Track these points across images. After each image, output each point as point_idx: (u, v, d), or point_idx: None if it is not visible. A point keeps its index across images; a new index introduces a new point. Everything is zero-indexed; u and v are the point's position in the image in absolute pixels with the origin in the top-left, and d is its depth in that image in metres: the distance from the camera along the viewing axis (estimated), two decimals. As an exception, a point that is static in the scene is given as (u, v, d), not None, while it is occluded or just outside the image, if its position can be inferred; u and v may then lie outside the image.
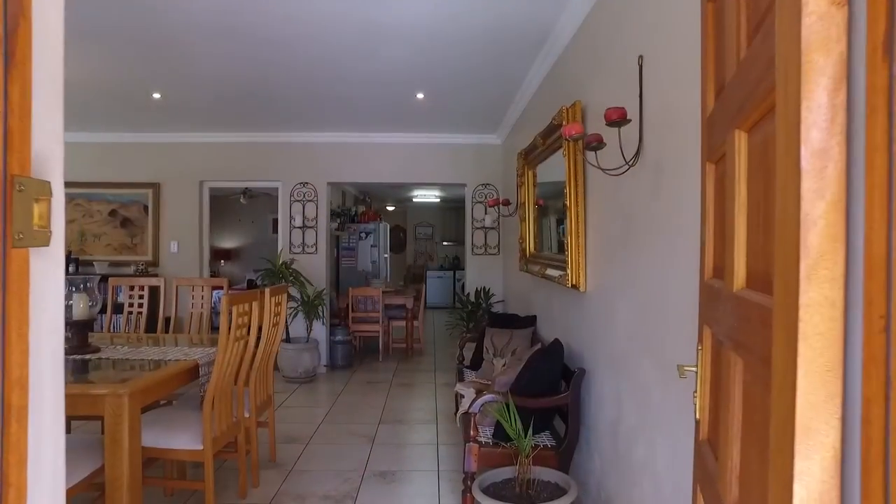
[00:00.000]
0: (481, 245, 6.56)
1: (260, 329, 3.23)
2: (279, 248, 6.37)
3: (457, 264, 13.48)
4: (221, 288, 4.26)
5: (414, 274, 13.37)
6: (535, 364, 2.85)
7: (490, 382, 3.90)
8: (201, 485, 2.74)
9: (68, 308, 3.11)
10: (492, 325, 4.48)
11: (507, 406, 2.65)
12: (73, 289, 3.13)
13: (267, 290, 3.23)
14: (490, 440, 2.85)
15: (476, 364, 4.43)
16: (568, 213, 2.89)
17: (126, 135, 6.27)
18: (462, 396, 3.73)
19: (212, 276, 10.93)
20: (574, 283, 2.89)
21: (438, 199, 12.60)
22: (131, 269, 6.24)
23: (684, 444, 1.76)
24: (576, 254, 2.88)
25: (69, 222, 6.31)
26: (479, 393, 3.73)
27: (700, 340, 1.39)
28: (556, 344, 3.04)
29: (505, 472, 2.68)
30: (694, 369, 1.39)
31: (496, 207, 5.88)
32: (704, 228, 1.35)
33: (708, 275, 1.35)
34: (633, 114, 2.01)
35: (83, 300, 3.13)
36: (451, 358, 7.09)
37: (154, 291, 4.28)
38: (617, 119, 1.94)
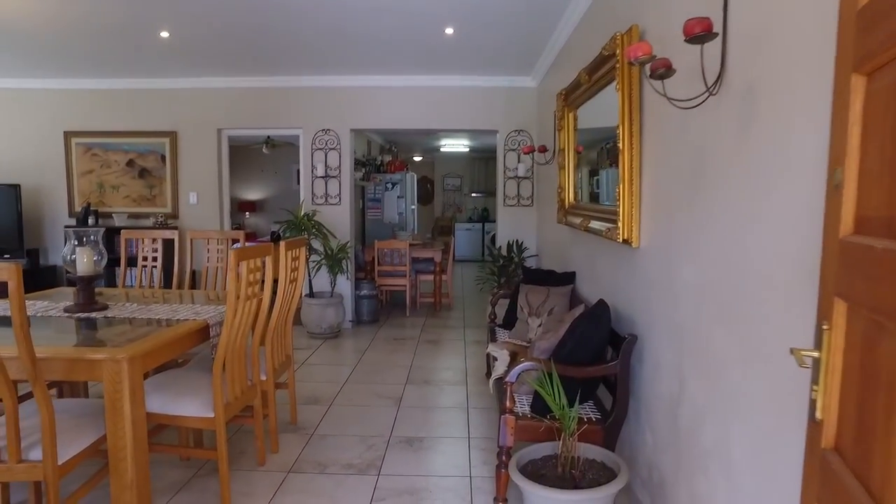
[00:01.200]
0: (514, 196, 6.18)
1: (276, 285, 2.97)
2: (301, 199, 6.09)
3: (486, 216, 13.11)
4: (238, 241, 4.01)
5: (441, 226, 13.05)
6: (580, 329, 2.53)
7: (526, 344, 3.62)
8: (215, 454, 2.54)
9: (72, 263, 2.89)
10: (526, 281, 4.16)
11: (549, 376, 2.35)
12: (77, 242, 2.90)
13: (282, 244, 2.95)
14: (528, 412, 2.57)
15: (509, 323, 4.14)
16: (620, 157, 2.51)
17: (141, 80, 5.96)
18: (495, 359, 3.46)
19: (235, 228, 10.79)
20: (626, 237, 2.53)
21: (467, 149, 12.12)
22: (150, 222, 6.05)
23: (775, 439, 1.44)
24: (628, 204, 2.51)
25: (87, 173, 6.12)
26: (513, 356, 3.46)
27: (826, 317, 1.04)
28: (602, 306, 2.71)
29: (544, 448, 2.41)
30: (815, 354, 1.05)
31: (531, 155, 5.48)
32: (844, 165, 0.98)
33: (846, 230, 0.99)
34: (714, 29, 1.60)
35: (87, 254, 2.90)
36: (480, 314, 6.84)
37: (169, 245, 4.05)
38: (700, 33, 1.54)
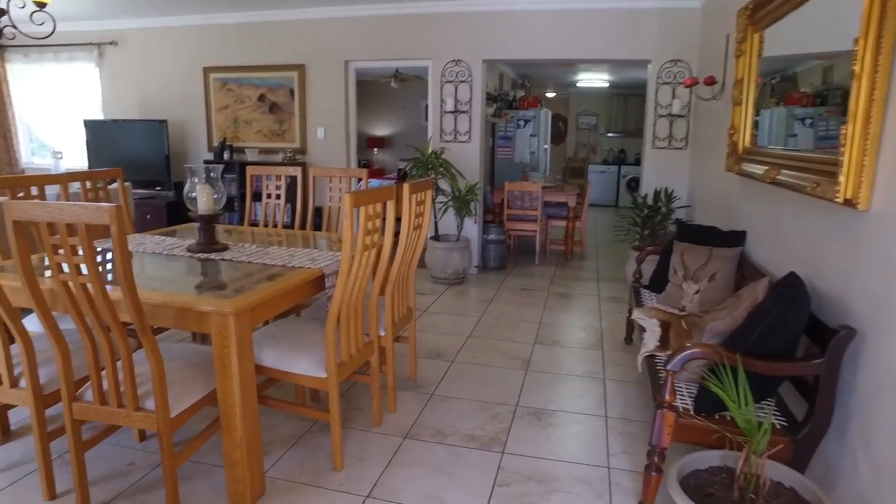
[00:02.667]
0: (664, 137, 5.38)
1: (399, 231, 2.67)
2: (429, 136, 5.76)
3: (622, 158, 12.10)
4: (361, 179, 3.77)
5: (573, 168, 12.25)
6: (773, 312, 1.95)
7: (679, 312, 3.07)
8: (327, 415, 2.34)
9: (193, 201, 2.77)
10: (682, 238, 3.54)
11: (725, 368, 1.84)
12: (196, 180, 2.77)
13: (406, 187, 2.61)
14: (691, 407, 2.09)
15: (658, 285, 3.58)
16: (854, 85, 1.82)
17: (271, 13, 5.84)
18: (642, 329, 2.96)
19: (363, 165, 10.83)
20: (849, 196, 1.88)
21: (606, 84, 11.07)
22: (279, 157, 6.06)
23: None
24: (859, 152, 1.84)
25: (223, 108, 6.21)
26: (664, 326, 2.93)
27: None
28: (797, 284, 2.10)
29: (712, 458, 1.93)
30: None
31: (689, 90, 4.67)
32: None
33: None
34: None
35: (207, 193, 2.76)
36: (616, 266, 6.24)
37: (294, 182, 3.91)
38: None
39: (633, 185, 11.60)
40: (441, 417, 2.85)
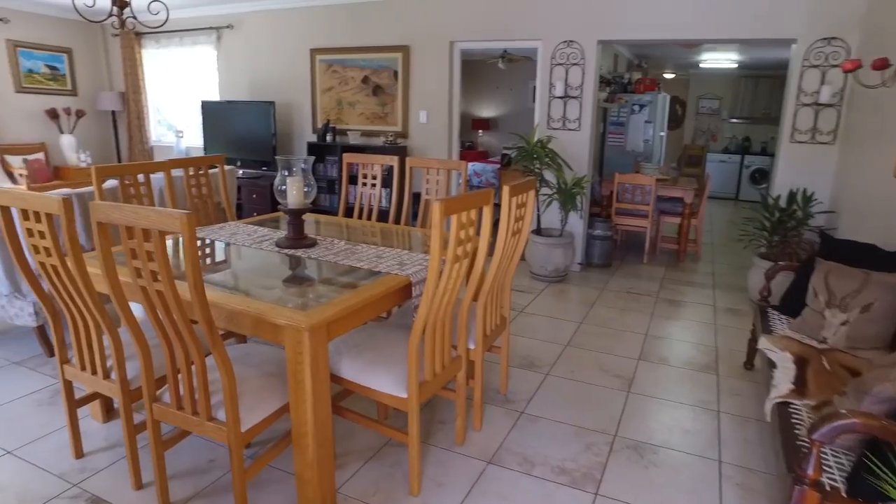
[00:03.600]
0: (807, 130, 4.68)
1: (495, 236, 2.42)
2: (535, 122, 5.41)
3: (746, 147, 11.01)
4: (460, 170, 3.54)
5: (690, 156, 11.32)
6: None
7: (819, 344, 2.61)
8: (405, 437, 2.17)
9: (283, 193, 2.67)
10: (827, 254, 3.02)
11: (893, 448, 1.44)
12: (286, 172, 2.66)
13: (506, 189, 2.35)
14: (842, 488, 1.69)
15: (791, 307, 3.08)
16: None
17: (380, -10, 5.72)
18: (772, 365, 2.53)
19: (467, 147, 10.61)
20: None
21: (735, 65, 10.03)
22: (381, 141, 5.97)
23: None
24: None
25: (328, 90, 6.21)
26: (800, 362, 2.49)
27: None
28: None
29: (870, 554, 1.54)
30: None
31: (849, 75, 3.99)
32: None
33: None
34: None
35: (297, 186, 2.65)
36: (734, 271, 5.63)
37: (392, 171, 3.77)
38: None
39: (758, 177, 10.54)
40: (530, 442, 2.60)
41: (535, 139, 5.02)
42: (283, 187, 2.67)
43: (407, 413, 2.12)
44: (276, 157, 2.72)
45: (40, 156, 7.30)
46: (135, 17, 3.54)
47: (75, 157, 7.52)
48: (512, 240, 2.51)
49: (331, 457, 2.01)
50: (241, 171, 6.79)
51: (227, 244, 2.79)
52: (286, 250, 2.65)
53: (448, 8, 5.51)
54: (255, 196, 6.43)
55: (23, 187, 6.89)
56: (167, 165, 3.18)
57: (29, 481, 2.31)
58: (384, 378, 2.13)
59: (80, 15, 3.98)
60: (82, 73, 7.83)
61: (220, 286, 2.12)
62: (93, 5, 3.53)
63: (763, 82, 10.66)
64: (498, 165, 8.79)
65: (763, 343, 2.69)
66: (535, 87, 5.57)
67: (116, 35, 7.76)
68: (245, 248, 2.72)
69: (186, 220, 1.53)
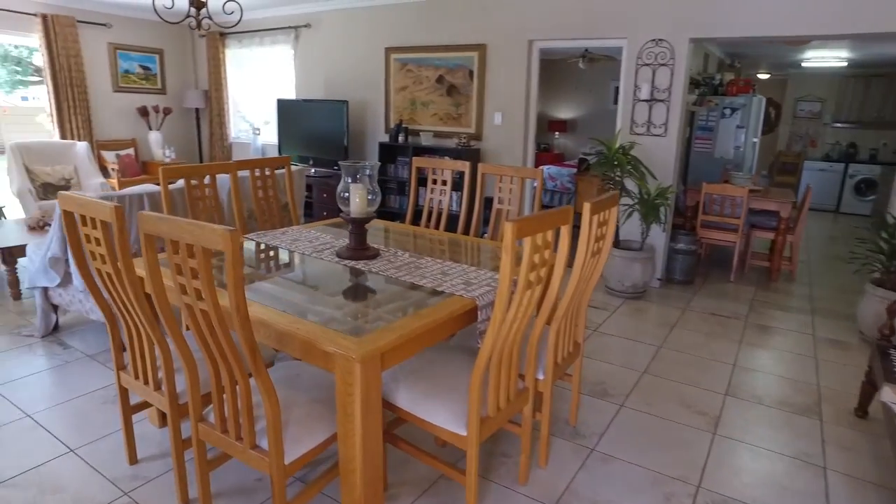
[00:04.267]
0: (936, 138, 4.10)
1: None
2: (617, 127, 5.07)
3: (851, 154, 10.06)
4: (535, 178, 3.29)
5: (783, 163, 10.50)
6: None
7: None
8: (462, 476, 1.97)
9: (344, 201, 2.53)
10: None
11: None
12: (350, 179, 2.52)
13: (587, 206, 2.10)
14: None
15: (919, 350, 2.64)
16: None
17: (458, -13, 5.54)
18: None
19: (543, 149, 10.28)
20: None
21: (844, 63, 9.15)
22: (453, 143, 5.79)
23: None
24: None
25: (401, 89, 6.09)
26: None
27: None
28: None
29: None
30: None
31: None
32: None
33: None
34: None
35: (360, 194, 2.50)
36: (838, 295, 5.06)
37: (462, 175, 3.58)
38: None
39: (864, 188, 9.61)
40: (600, 486, 2.34)
41: (617, 145, 4.69)
42: (346, 194, 2.53)
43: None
44: (340, 163, 2.59)
45: (131, 151, 7.64)
46: (210, 18, 3.53)
47: (161, 152, 7.82)
48: (591, 260, 2.26)
49: (380, 494, 1.84)
50: (312, 170, 6.82)
51: (286, 251, 2.69)
52: (346, 261, 2.51)
53: (527, 5, 5.26)
54: (325, 195, 6.43)
55: (114, 181, 7.23)
56: (233, 167, 3.13)
57: (85, 484, 2.29)
58: (442, 412, 1.94)
59: (160, 17, 4.04)
60: (171, 73, 8.13)
61: (271, 300, 1.99)
62: (171, 7, 3.55)
63: (877, 82, 9.70)
64: (574, 170, 8.44)
65: (888, 395, 2.29)
66: (616, 88, 5.22)
67: (203, 36, 8.01)
68: (304, 256, 2.60)
69: (230, 238, 1.40)
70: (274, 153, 7.59)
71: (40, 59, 6.84)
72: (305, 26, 6.81)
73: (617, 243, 4.84)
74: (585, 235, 2.11)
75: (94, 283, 2.12)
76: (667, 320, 4.31)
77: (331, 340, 1.66)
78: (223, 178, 3.73)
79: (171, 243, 1.55)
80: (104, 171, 7.38)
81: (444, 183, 3.53)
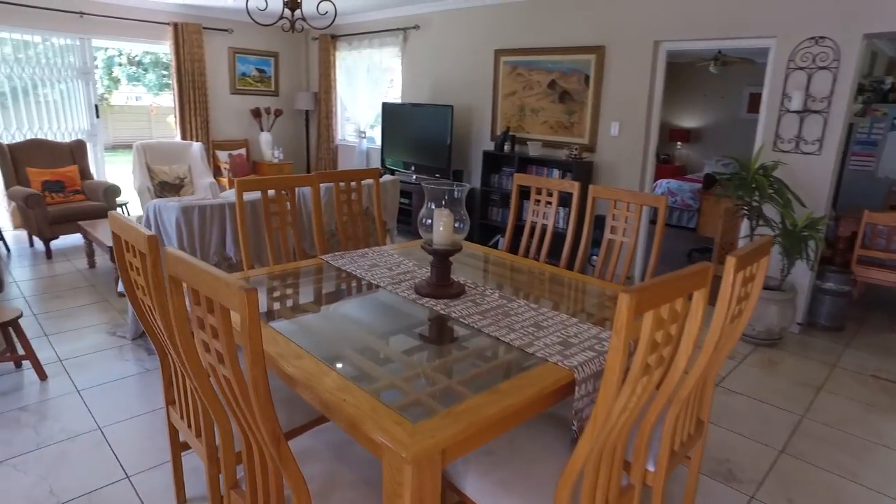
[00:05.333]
0: None
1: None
2: (757, 144, 4.33)
3: None
4: (658, 207, 2.75)
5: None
6: None
7: None
8: None
9: (427, 228, 2.17)
10: None
11: None
12: (433, 204, 2.15)
13: (733, 259, 1.57)
14: None
15: None
16: None
17: (578, -17, 5.04)
18: None
19: (662, 160, 9.42)
20: None
21: None
22: (563, 154, 5.28)
23: None
24: None
25: (510, 94, 5.69)
26: None
27: None
28: None
29: None
30: None
31: None
32: None
33: None
34: None
35: (446, 222, 2.13)
36: None
37: (567, 199, 3.11)
38: None
39: None
40: None
41: (757, 164, 3.98)
42: (429, 221, 2.17)
43: (548, 571, 1.48)
44: (423, 184, 2.23)
45: (242, 151, 7.85)
46: (304, 20, 3.33)
47: (270, 153, 7.97)
48: (732, 324, 1.73)
49: None
50: (413, 177, 6.59)
51: (360, 278, 2.38)
52: (424, 300, 2.14)
53: (654, 2, 4.65)
54: (423, 204, 6.16)
55: (225, 180, 7.45)
56: (315, 179, 2.88)
57: (128, 525, 2.11)
58: (520, 516, 1.51)
59: (252, 19, 3.94)
60: (284, 75, 8.27)
61: (322, 348, 1.67)
62: (265, 8, 3.41)
63: None
64: (698, 185, 7.59)
65: None
66: (753, 94, 4.47)
67: (316, 39, 8.08)
68: (378, 287, 2.27)
69: (245, 299, 1.07)
70: (377, 157, 7.46)
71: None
72: (414, 28, 6.59)
73: (750, 279, 4.11)
74: (726, 297, 1.59)
75: (142, 309, 1.91)
76: (810, 379, 3.56)
77: (379, 425, 1.29)
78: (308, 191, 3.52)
79: (192, 291, 1.26)
80: (217, 170, 7.63)
81: (550, 196, 3.08)
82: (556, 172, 5.30)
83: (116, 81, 16.09)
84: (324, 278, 2.41)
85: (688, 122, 9.71)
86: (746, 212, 3.98)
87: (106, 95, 16.31)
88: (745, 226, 4.31)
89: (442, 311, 2.04)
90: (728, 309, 1.61)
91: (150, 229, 3.02)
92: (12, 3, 5.91)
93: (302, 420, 1.96)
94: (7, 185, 5.78)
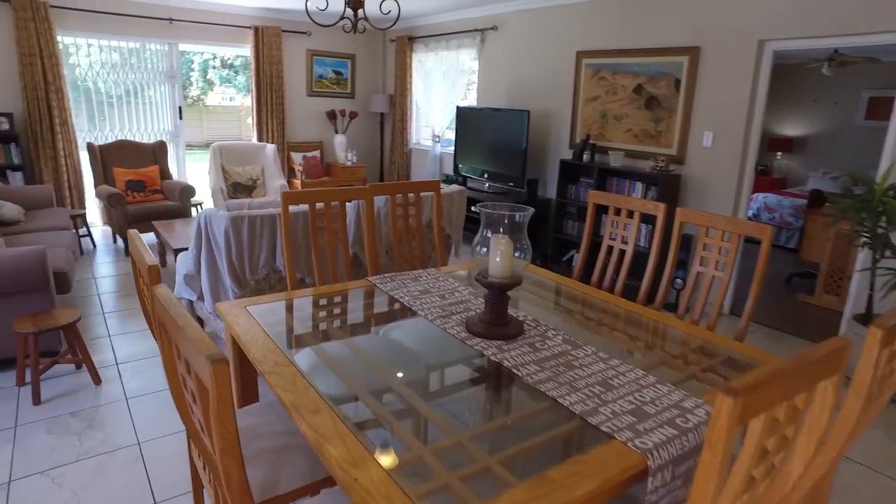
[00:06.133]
0: None
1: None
2: (885, 159, 3.72)
3: None
4: (758, 241, 2.31)
5: None
6: None
7: None
8: None
9: (483, 257, 1.89)
10: None
11: None
12: (488, 231, 1.87)
13: (875, 334, 1.42)
14: None
15: None
16: None
17: (672, -22, 4.57)
18: None
19: (759, 172, 8.61)
20: None
21: None
22: (648, 165, 4.82)
23: None
24: None
25: (591, 100, 5.29)
26: None
27: None
28: None
29: None
30: None
31: None
32: None
33: None
34: None
35: (504, 251, 1.83)
36: None
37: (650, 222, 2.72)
38: None
39: None
40: None
41: (885, 184, 3.39)
42: (485, 250, 1.88)
43: None
44: (479, 208, 1.94)
45: (316, 153, 7.85)
46: (366, 19, 3.14)
47: (344, 155, 7.93)
48: (863, 414, 1.32)
49: None
50: (486, 185, 6.30)
51: (406, 307, 2.12)
52: (474, 340, 1.86)
53: (765, -4, 4.11)
54: (494, 214, 5.86)
55: (298, 181, 7.47)
56: (368, 192, 2.66)
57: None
58: None
59: (311, 19, 3.79)
60: (361, 77, 8.22)
61: (343, 394, 1.43)
62: (325, 8, 3.24)
63: None
64: (801, 201, 6.83)
65: None
66: (872, 98, 3.84)
67: (393, 41, 7.96)
68: (423, 320, 2.01)
69: (212, 373, 0.82)
70: (451, 162, 7.24)
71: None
72: (492, 28, 6.30)
73: (867, 318, 3.52)
74: (866, 380, 1.20)
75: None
76: (945, 444, 2.96)
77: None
78: (377, 200, 3.31)
79: (174, 344, 1.04)
80: (291, 172, 7.67)
81: (630, 217, 2.71)
82: (638, 186, 4.85)
83: (210, 83, 16.87)
84: (368, 305, 2.18)
85: (791, 129, 8.83)
86: (868, 239, 3.41)
87: (202, 96, 17.15)
88: (863, 255, 3.71)
89: (493, 357, 1.74)
90: (867, 394, 1.22)
91: (201, 237, 2.93)
92: (112, 13, 6.15)
93: (326, 472, 1.73)
94: (96, 184, 6.01)
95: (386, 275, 2.48)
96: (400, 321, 2.03)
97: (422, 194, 3.23)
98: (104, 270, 5.17)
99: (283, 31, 7.31)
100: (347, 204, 3.19)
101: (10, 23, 5.71)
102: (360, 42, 8.05)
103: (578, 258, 2.88)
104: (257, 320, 1.94)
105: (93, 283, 4.83)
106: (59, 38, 5.93)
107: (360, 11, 2.93)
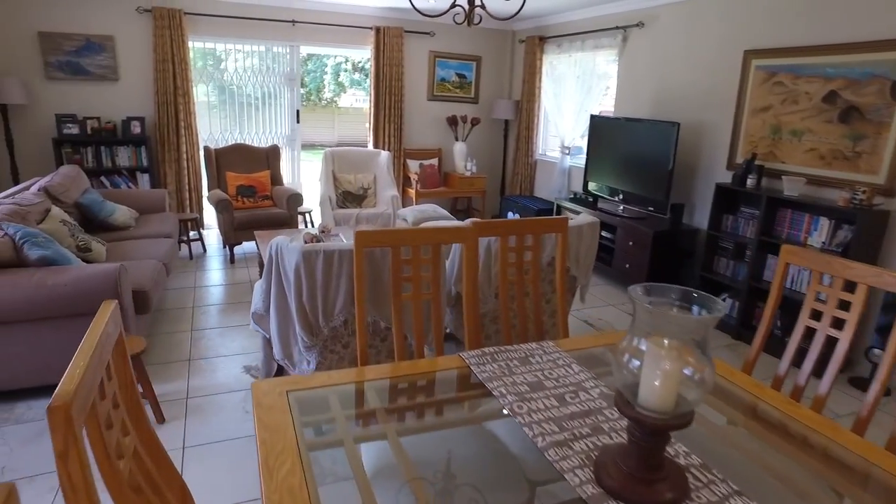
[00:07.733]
0: None
1: None
2: None
3: None
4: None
5: None
6: None
7: None
8: None
9: (631, 388, 1.16)
10: None
11: None
12: (638, 339, 1.14)
13: None
14: None
15: None
16: None
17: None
18: None
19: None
20: None
21: None
22: (839, 196, 3.70)
23: None
24: None
25: (761, 110, 4.27)
26: None
27: None
28: None
29: None
30: None
31: None
32: None
33: None
34: None
35: (669, 370, 1.11)
36: None
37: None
38: None
39: None
40: None
41: None
42: (635, 364, 1.16)
43: None
44: (630, 290, 1.22)
45: (434, 161, 7.39)
46: (483, 6, 2.51)
47: (463, 164, 7.40)
48: None
49: None
50: (621, 208, 5.45)
51: (498, 410, 1.45)
52: (606, 503, 1.14)
53: None
54: (631, 244, 4.99)
55: (412, 191, 7.04)
56: (470, 234, 2.01)
57: None
58: None
59: (415, 8, 3.22)
60: (486, 81, 7.65)
61: None
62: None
63: None
64: None
65: None
66: None
67: (523, 41, 7.29)
68: (529, 446, 1.32)
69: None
70: (579, 178, 6.43)
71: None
72: (636, 25, 5.42)
73: None
74: None
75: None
76: None
77: None
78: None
79: None
80: (406, 180, 7.26)
81: (852, 289, 1.82)
82: (823, 222, 3.79)
83: (342, 86, 17.24)
84: (447, 401, 1.54)
85: None
86: None
87: (335, 98, 17.56)
88: None
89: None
90: None
91: (270, 271, 2.46)
92: (239, 17, 6.08)
93: None
94: (209, 188, 5.96)
95: (486, 350, 1.82)
96: (486, 437, 1.36)
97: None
98: (206, 279, 5.01)
99: (406, 31, 6.91)
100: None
101: (149, 31, 5.80)
102: (486, 43, 7.47)
103: (760, 333, 2.03)
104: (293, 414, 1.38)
105: (191, 293, 4.65)
106: (189, 44, 5.94)
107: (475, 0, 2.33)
